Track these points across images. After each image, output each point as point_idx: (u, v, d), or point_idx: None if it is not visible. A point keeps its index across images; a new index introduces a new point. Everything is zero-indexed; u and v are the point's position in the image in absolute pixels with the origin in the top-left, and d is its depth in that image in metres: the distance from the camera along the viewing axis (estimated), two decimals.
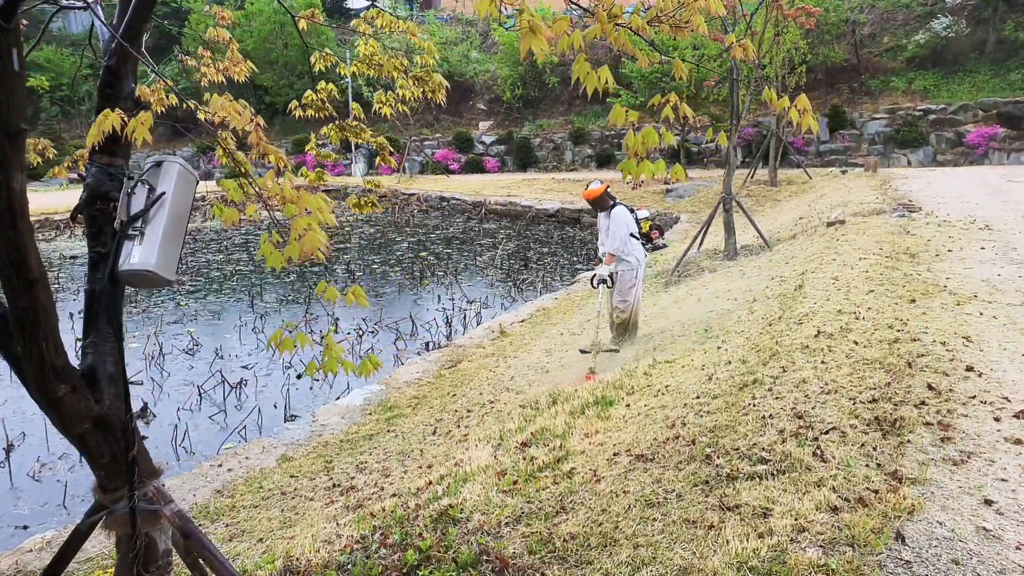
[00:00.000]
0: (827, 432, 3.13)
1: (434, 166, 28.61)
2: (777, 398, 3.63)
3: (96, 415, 2.17)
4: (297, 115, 2.98)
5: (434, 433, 6.00)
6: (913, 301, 5.35)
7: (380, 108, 3.06)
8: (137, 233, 2.32)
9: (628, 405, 4.67)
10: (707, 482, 2.90)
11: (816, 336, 4.58)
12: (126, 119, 1.86)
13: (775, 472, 2.83)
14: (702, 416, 3.71)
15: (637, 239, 6.74)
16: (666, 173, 1.89)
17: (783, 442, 3.08)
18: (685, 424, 3.68)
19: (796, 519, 2.51)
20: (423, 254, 16.41)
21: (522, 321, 9.57)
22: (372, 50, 2.80)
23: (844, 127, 22.31)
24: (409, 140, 28.13)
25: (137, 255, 2.30)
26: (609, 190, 6.93)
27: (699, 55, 19.11)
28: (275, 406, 7.82)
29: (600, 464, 3.68)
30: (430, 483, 4.52)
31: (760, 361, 4.35)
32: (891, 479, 2.69)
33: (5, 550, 4.76)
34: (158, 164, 2.47)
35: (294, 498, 5.18)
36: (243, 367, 9.04)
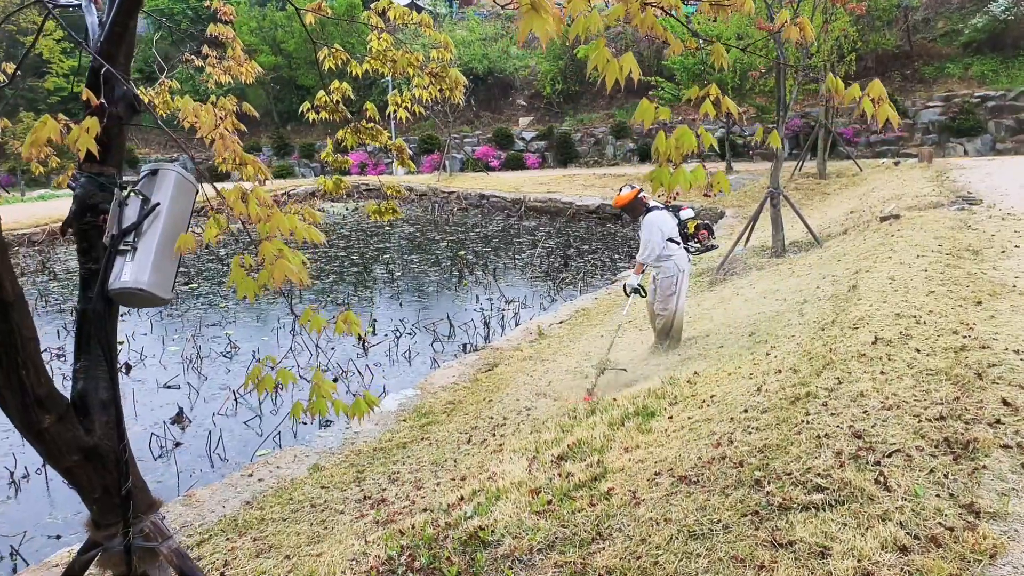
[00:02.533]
0: (890, 455, 2.83)
1: (474, 163, 28.47)
2: (833, 414, 3.33)
3: (86, 446, 2.01)
4: (311, 118, 2.80)
5: (468, 442, 5.80)
6: (979, 303, 4.96)
7: (394, 110, 2.85)
8: (129, 248, 2.15)
9: (671, 417, 4.40)
10: (756, 512, 2.63)
11: (874, 343, 4.25)
12: (71, 125, 1.67)
13: (833, 502, 2.55)
14: (750, 433, 3.44)
15: (678, 243, 6.39)
16: (706, 180, 1.63)
17: (841, 466, 2.79)
18: (732, 442, 3.41)
19: (859, 561, 2.23)
20: (462, 253, 16.26)
21: (561, 323, 9.33)
22: (385, 45, 2.59)
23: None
24: (449, 138, 28.02)
25: (129, 272, 2.13)
26: (642, 195, 6.56)
27: (744, 44, 18.56)
28: None
29: (640, 485, 3.43)
30: (462, 499, 4.32)
31: (813, 371, 4.04)
32: (967, 513, 2.39)
33: (34, 564, 4.72)
34: (153, 172, 2.30)
35: (324, 511, 5.03)
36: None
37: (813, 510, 2.54)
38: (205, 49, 3.31)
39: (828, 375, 3.88)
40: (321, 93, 2.78)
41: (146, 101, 2.92)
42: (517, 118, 30.95)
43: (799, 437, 3.16)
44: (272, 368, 2.16)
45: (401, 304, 12.17)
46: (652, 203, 6.53)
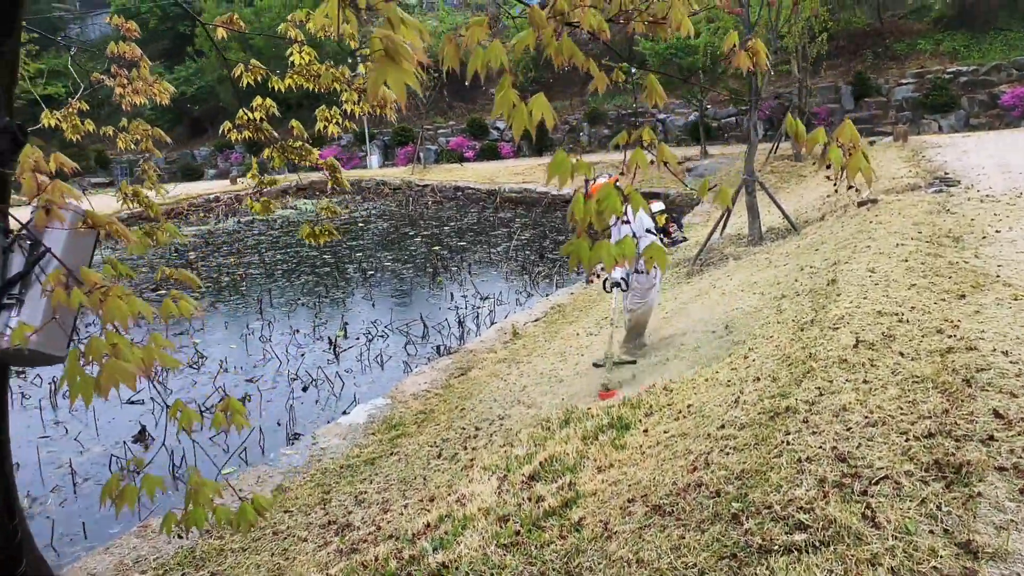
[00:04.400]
0: (877, 482, 2.62)
1: (448, 154, 28.10)
2: (814, 432, 3.12)
3: None
4: (233, 138, 2.52)
5: (439, 456, 5.56)
6: (963, 296, 4.78)
7: (325, 126, 2.58)
8: (15, 301, 1.87)
9: (646, 431, 4.18)
10: (735, 555, 2.41)
11: (855, 346, 4.05)
12: None
13: (818, 543, 2.33)
14: (728, 454, 3.22)
15: (654, 235, 6.16)
16: (635, 253, 1.38)
17: (824, 497, 2.58)
18: (709, 464, 3.19)
19: None
20: (436, 248, 15.96)
21: (536, 320, 9.09)
22: (308, 58, 2.31)
23: (869, 95, 21.39)
24: (422, 129, 27.62)
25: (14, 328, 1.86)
26: (619, 184, 6.28)
27: (715, 27, 18.33)
28: (279, 423, 7.44)
29: (612, 513, 3.21)
30: (428, 525, 4.08)
31: (792, 379, 3.83)
32: (964, 553, 2.18)
33: None
34: (45, 212, 2.01)
35: (286, 538, 4.77)
36: (248, 380, 8.69)
37: (796, 553, 2.32)
38: (115, 69, 3.01)
39: (808, 385, 3.67)
40: (241, 111, 2.50)
41: (51, 124, 2.64)
42: (490, 107, 30.55)
43: (779, 461, 2.95)
44: (138, 473, 1.89)
45: (374, 304, 11.88)
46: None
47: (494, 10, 33.11)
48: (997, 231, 6.62)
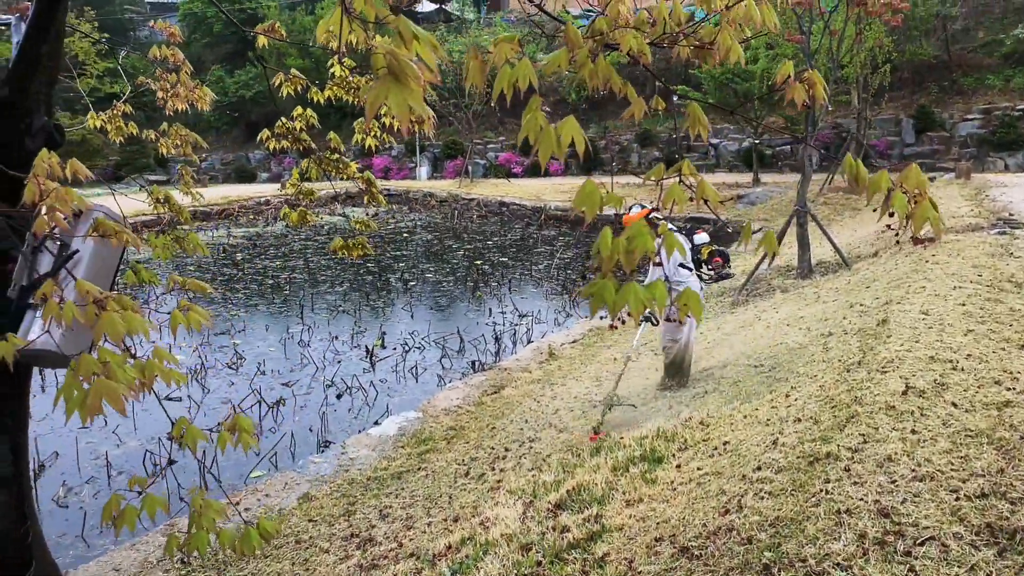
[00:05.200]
0: (922, 543, 2.46)
1: (496, 169, 28.19)
2: (856, 483, 2.96)
3: None
4: (271, 147, 2.50)
5: (466, 475, 5.48)
6: None
7: (362, 138, 2.55)
8: (39, 302, 1.86)
9: (679, 466, 4.04)
10: None
11: (904, 393, 3.86)
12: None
13: None
14: (762, 498, 3.07)
15: (690, 270, 5.94)
16: (667, 300, 1.29)
17: (864, 555, 2.43)
18: (742, 508, 3.05)
19: None
20: (478, 262, 15.96)
21: (573, 342, 8.98)
22: (348, 71, 2.28)
23: (932, 129, 20.81)
24: (472, 144, 27.77)
25: (38, 329, 1.84)
26: (653, 215, 5.90)
27: (773, 55, 18.09)
28: (310, 429, 7.45)
29: (638, 552, 3.09)
30: (449, 547, 4.00)
31: (835, 424, 3.66)
32: None
33: None
34: (76, 215, 2.00)
35: (308, 548, 4.73)
36: (283, 384, 8.74)
37: None
38: (159, 73, 3.02)
39: (852, 430, 3.50)
40: (281, 120, 2.48)
41: (98, 126, 2.66)
42: None
43: (816, 510, 2.80)
44: (140, 492, 1.85)
45: (413, 315, 11.89)
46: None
47: (552, 27, 33.23)
48: None
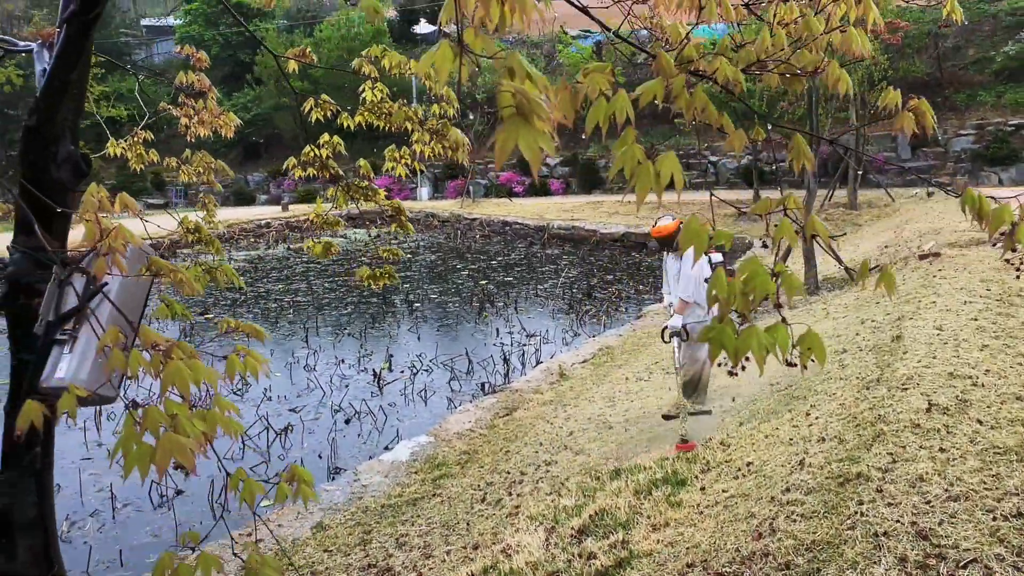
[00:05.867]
0: (965, 565, 2.44)
1: (498, 189, 28.29)
2: (890, 504, 2.94)
3: (4, 574, 1.69)
4: (298, 175, 2.51)
5: (483, 501, 5.44)
6: None
7: (392, 166, 2.55)
8: (68, 338, 1.83)
9: (703, 488, 4.02)
10: None
11: (928, 410, 3.84)
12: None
13: None
14: (795, 521, 3.05)
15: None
16: (789, 344, 1.29)
17: None
18: (775, 532, 3.02)
19: None
20: (483, 282, 15.96)
21: (583, 362, 8.95)
22: (381, 95, 2.29)
23: (927, 144, 20.96)
24: (473, 164, 27.88)
25: (66, 366, 1.81)
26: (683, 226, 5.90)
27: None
28: (320, 456, 7.40)
29: None
30: None
31: (861, 443, 3.65)
32: None
33: None
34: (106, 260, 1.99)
35: None
36: (291, 410, 8.69)
37: None
38: (183, 98, 3.04)
39: (879, 450, 3.48)
40: (308, 148, 2.49)
41: (117, 153, 2.66)
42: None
43: (852, 533, 2.78)
44: (193, 549, 1.82)
45: (419, 337, 11.87)
46: None
47: (549, 48, 33.45)
48: None
